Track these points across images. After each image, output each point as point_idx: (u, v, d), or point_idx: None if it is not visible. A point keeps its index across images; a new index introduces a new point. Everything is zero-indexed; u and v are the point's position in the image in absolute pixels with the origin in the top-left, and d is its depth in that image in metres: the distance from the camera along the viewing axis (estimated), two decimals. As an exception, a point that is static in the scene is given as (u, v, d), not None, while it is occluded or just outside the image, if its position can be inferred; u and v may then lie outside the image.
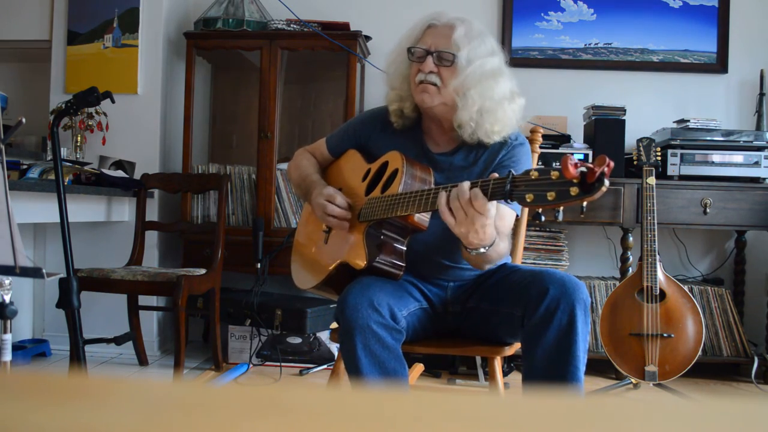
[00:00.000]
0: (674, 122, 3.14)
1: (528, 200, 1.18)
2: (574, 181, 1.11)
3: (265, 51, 3.13)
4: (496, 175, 1.29)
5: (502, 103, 1.59)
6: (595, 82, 3.38)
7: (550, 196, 1.14)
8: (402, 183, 1.51)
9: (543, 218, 1.20)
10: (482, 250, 1.38)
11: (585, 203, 1.13)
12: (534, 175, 1.18)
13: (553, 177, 1.14)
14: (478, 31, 1.61)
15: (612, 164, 1.08)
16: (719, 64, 3.34)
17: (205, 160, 3.43)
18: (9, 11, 3.30)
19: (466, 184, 1.31)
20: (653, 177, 2.69)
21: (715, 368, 3.04)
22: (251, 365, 2.94)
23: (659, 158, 2.75)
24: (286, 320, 2.88)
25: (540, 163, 2.93)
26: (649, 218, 2.63)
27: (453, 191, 1.33)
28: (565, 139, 3.07)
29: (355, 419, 0.31)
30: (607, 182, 1.09)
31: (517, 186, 1.21)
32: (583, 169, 1.10)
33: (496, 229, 1.48)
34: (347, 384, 1.60)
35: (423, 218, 1.49)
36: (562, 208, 1.16)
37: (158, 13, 3.22)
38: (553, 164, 1.21)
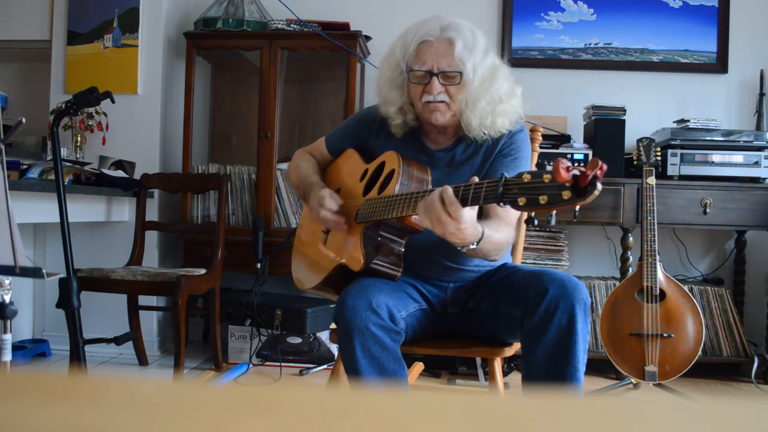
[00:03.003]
0: (674, 122, 3.14)
1: (520, 204, 1.16)
2: (567, 185, 1.09)
3: (265, 51, 3.13)
4: (476, 179, 1.28)
5: (509, 98, 1.62)
6: (595, 82, 3.38)
7: (543, 199, 1.12)
8: (398, 184, 1.51)
9: (536, 221, 1.18)
10: (471, 246, 1.38)
11: (578, 207, 1.11)
12: (526, 177, 1.16)
13: (546, 180, 1.12)
14: (471, 32, 1.59)
15: (605, 167, 1.06)
16: (719, 64, 3.34)
17: (205, 160, 3.43)
18: (9, 11, 3.30)
19: (437, 191, 1.30)
20: (653, 177, 2.69)
21: (715, 368, 3.04)
22: (251, 365, 2.94)
23: (659, 158, 2.75)
24: (286, 320, 2.88)
25: (540, 163, 2.93)
26: (649, 218, 2.63)
27: (426, 199, 1.33)
28: (565, 139, 3.07)
29: (355, 419, 0.31)
30: (600, 186, 1.07)
31: (509, 189, 1.19)
32: (576, 172, 1.08)
33: (498, 216, 1.48)
34: (347, 384, 1.60)
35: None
36: (554, 212, 1.15)
37: (158, 13, 3.22)
38: (546, 166, 1.18)
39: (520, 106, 1.64)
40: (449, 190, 1.29)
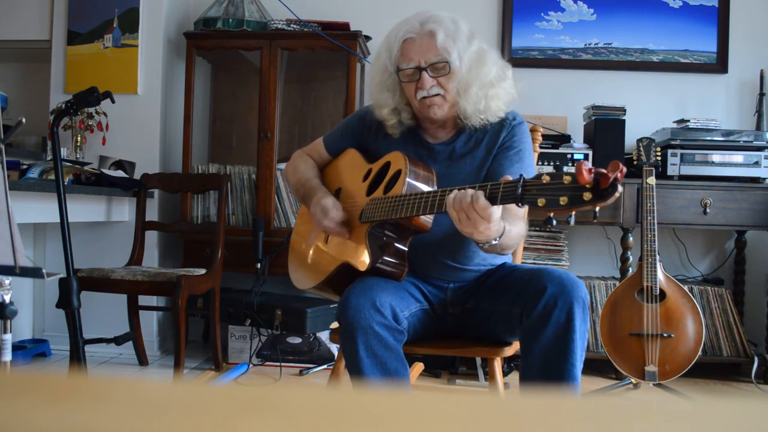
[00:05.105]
0: (674, 122, 3.14)
1: (540, 204, 1.17)
2: (588, 186, 1.11)
3: (265, 51, 3.13)
4: (509, 178, 1.28)
5: (500, 82, 1.63)
6: (595, 82, 3.38)
7: (563, 200, 1.14)
8: (405, 184, 1.51)
9: (555, 222, 1.19)
10: (494, 242, 1.38)
11: (597, 208, 1.13)
12: (545, 179, 1.17)
13: (566, 181, 1.14)
14: (452, 21, 1.60)
15: (625, 170, 1.08)
16: (719, 64, 3.34)
17: (205, 160, 3.43)
18: (9, 11, 3.30)
19: (470, 190, 1.31)
20: (653, 177, 2.69)
21: (715, 368, 3.04)
22: (251, 365, 2.94)
23: (659, 158, 2.75)
24: (286, 320, 2.88)
25: (541, 163, 2.93)
26: (649, 218, 2.63)
27: (456, 195, 1.32)
28: (565, 139, 3.07)
29: (355, 419, 0.31)
30: (620, 188, 1.10)
31: (528, 190, 1.20)
32: (597, 174, 1.11)
33: (509, 212, 1.48)
34: (347, 384, 1.60)
35: (427, 219, 1.49)
36: (574, 213, 1.16)
37: (158, 13, 3.22)
38: (564, 169, 1.21)
39: (513, 88, 1.65)
40: (481, 194, 1.29)
